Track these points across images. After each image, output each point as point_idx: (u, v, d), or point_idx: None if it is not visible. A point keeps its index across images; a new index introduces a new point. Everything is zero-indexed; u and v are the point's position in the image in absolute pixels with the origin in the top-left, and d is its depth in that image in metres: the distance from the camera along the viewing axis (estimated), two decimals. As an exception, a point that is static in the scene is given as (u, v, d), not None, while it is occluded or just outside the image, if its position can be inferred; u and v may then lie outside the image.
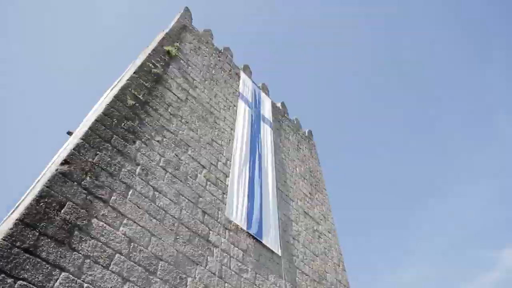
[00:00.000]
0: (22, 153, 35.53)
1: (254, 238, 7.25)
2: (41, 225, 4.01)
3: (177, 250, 5.54)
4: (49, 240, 4.00)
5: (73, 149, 5.09)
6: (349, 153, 49.77)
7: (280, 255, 7.54)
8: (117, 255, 4.66)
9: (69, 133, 7.83)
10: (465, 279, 42.44)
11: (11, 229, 3.70)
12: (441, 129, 46.91)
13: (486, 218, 44.92)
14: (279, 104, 14.68)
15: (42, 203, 4.17)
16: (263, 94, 13.17)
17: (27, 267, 3.64)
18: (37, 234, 3.91)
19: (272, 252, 7.45)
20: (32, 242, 3.81)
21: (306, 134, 14.95)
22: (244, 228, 7.18)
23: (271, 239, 7.61)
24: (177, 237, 5.72)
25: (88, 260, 4.28)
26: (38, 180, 5.03)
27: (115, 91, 6.84)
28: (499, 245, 43.97)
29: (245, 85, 12.26)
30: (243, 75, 12.72)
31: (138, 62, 8.24)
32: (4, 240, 3.58)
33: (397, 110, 48.56)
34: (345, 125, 50.14)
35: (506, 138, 44.30)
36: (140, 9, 43.60)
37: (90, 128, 5.59)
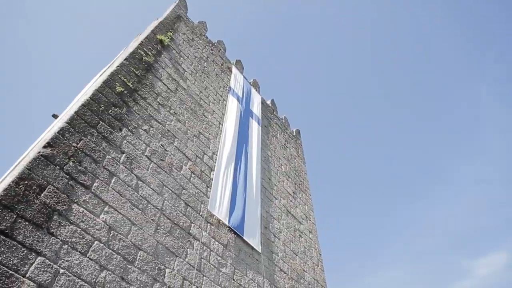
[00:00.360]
0: (5, 135, 34.82)
1: (235, 233, 7.26)
2: (19, 207, 3.94)
3: (157, 241, 5.51)
4: (26, 223, 3.93)
5: (58, 132, 5.00)
6: (335, 154, 50.10)
7: (260, 251, 7.56)
8: (96, 242, 4.61)
9: (54, 116, 7.70)
10: (438, 285, 43.23)
11: (-12, 209, 3.62)
12: (431, 134, 47.56)
13: (465, 226, 45.84)
14: (269, 102, 14.68)
15: (21, 185, 4.09)
16: (253, 90, 13.15)
17: (2, 249, 3.56)
18: (15, 216, 3.84)
19: (252, 248, 7.46)
20: (8, 224, 3.73)
21: (294, 133, 14.99)
22: (226, 222, 7.18)
23: (252, 235, 7.63)
24: (158, 228, 5.68)
25: (66, 246, 4.22)
26: (19, 162, 4.93)
27: (105, 76, 6.74)
28: (474, 254, 44.93)
29: (236, 80, 12.23)
30: (234, 70, 12.67)
31: (130, 49, 8.14)
32: (-20, 220, 3.51)
33: (389, 113, 49.01)
34: (333, 126, 50.41)
35: (493, 151, 45.23)
36: (135, -5, 43.04)
37: (76, 113, 5.50)
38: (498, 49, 43.44)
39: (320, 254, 10.01)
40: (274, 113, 14.39)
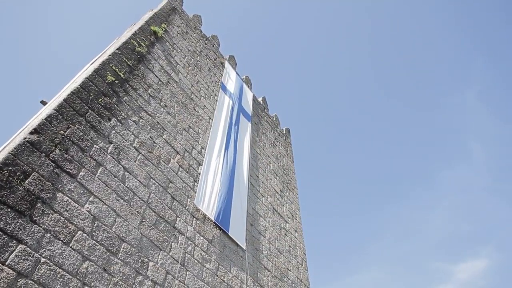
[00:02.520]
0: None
1: (220, 229, 7.23)
2: (2, 193, 3.86)
3: (141, 234, 5.46)
4: (9, 209, 3.85)
5: (45, 119, 4.91)
6: (320, 154, 50.34)
7: (244, 248, 7.55)
8: (80, 232, 4.55)
9: (43, 103, 7.56)
10: (420, 288, 43.82)
11: (-31, 194, 3.54)
12: (415, 137, 48.06)
13: (445, 231, 46.49)
14: (260, 99, 14.66)
15: (5, 171, 4.01)
16: (245, 87, 13.11)
17: (-17, 235, 3.49)
18: (-3, 202, 3.76)
19: (237, 245, 7.45)
20: (-10, 210, 3.66)
21: (284, 131, 15.00)
22: (212, 218, 7.15)
23: (237, 232, 7.61)
24: (143, 220, 5.63)
25: (49, 235, 4.15)
26: (4, 147, 4.83)
27: (96, 65, 6.65)
28: (455, 259, 45.63)
29: (229, 75, 12.18)
30: (227, 65, 12.62)
31: (123, 38, 8.04)
32: (-40, 204, 3.43)
33: (376, 115, 49.38)
34: (319, 125, 50.64)
35: (476, 157, 45.93)
36: (130, -15, 42.53)
37: (65, 100, 5.41)
38: (486, 55, 44.12)
39: (305, 254, 10.05)
40: (265, 110, 14.38)
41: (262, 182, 10.33)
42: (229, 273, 6.79)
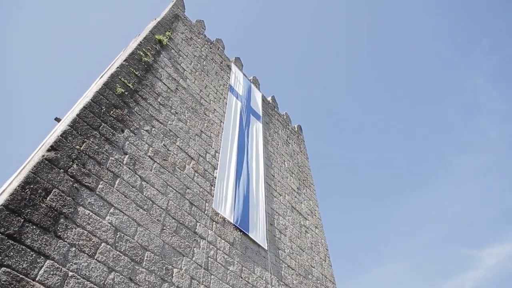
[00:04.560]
0: (9, 139, 34.83)
1: (241, 231, 7.24)
2: (26, 211, 3.93)
3: (163, 241, 5.50)
4: (34, 227, 3.92)
5: (61, 135, 4.98)
6: (333, 148, 50.07)
7: (266, 248, 7.55)
8: (103, 244, 4.60)
9: (57, 120, 7.68)
10: (445, 276, 43.25)
11: (-5, 214, 3.61)
12: (432, 127, 47.46)
13: (469, 217, 45.81)
14: (269, 98, 14.65)
15: (27, 189, 4.08)
16: (253, 87, 13.11)
17: (11, 253, 3.56)
18: (22, 220, 3.83)
19: (259, 245, 7.45)
20: (16, 229, 3.72)
21: (296, 129, 14.96)
22: (231, 220, 7.16)
23: (257, 233, 7.61)
24: (164, 228, 5.67)
25: (74, 249, 4.21)
26: (24, 166, 4.92)
27: (105, 78, 6.72)
28: (479, 244, 44.91)
29: (236, 77, 12.20)
30: (234, 68, 12.64)
31: (129, 50, 8.11)
32: (-13, 225, 3.50)
33: (388, 105, 48.94)
34: (331, 120, 50.36)
35: (491, 141, 45.15)
36: (131, -3, 42.96)
37: (78, 115, 5.48)
38: (493, 38, 43.32)
39: (327, 249, 10.00)
40: (275, 109, 14.36)
41: (278, 181, 10.32)
42: (253, 274, 6.79)
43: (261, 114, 11.99)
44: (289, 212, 9.62)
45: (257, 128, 11.02)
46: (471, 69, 45.57)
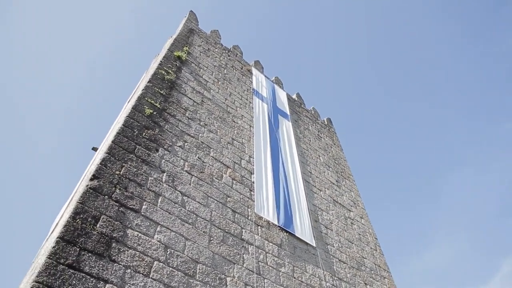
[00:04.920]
0: (52, 173, 36.38)
1: (286, 231, 7.23)
2: (80, 240, 4.08)
3: (213, 252, 5.56)
4: (89, 254, 4.07)
5: (100, 163, 5.15)
6: (368, 135, 49.15)
7: (314, 245, 7.49)
8: (156, 262, 4.71)
9: (94, 149, 7.96)
10: (504, 255, 41.31)
11: (53, 247, 3.78)
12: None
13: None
14: (294, 96, 14.59)
15: (78, 219, 4.24)
16: (277, 88, 13.10)
17: (74, 282, 3.71)
18: (78, 249, 3.98)
19: (307, 243, 7.41)
20: (74, 258, 3.88)
21: (325, 122, 14.81)
22: (275, 222, 7.16)
23: (303, 231, 7.57)
24: (211, 238, 5.74)
25: (129, 270, 4.33)
26: (72, 198, 5.12)
27: (132, 102, 6.91)
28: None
29: (259, 80, 12.23)
30: (255, 71, 12.68)
31: (151, 70, 8.31)
32: (49, 258, 3.67)
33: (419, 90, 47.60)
34: (361, 107, 49.49)
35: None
36: (146, 19, 44.01)
37: (113, 141, 5.66)
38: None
39: (376, 238, 9.81)
40: (302, 106, 14.27)
41: (316, 177, 10.23)
42: (306, 273, 6.75)
43: (288, 113, 11.96)
44: (331, 206, 9.52)
45: (287, 127, 10.99)
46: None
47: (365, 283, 7.85)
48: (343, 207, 9.92)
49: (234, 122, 9.10)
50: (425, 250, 44.52)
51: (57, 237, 3.89)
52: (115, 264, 4.23)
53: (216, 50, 11.76)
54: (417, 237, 45.27)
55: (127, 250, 4.51)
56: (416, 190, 47.56)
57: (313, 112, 14.63)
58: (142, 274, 4.44)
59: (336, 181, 10.97)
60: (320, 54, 49.16)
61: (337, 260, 7.77)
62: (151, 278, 4.49)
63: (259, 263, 6.10)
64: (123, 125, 6.10)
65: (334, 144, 13.46)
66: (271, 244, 6.67)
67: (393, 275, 8.88)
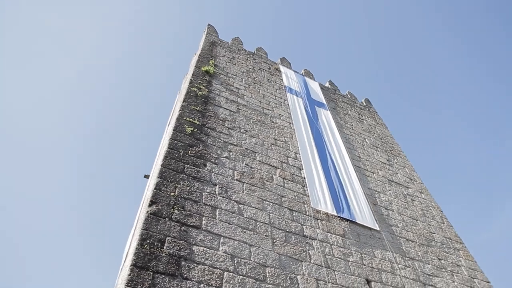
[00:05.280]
0: (112, 206, 38.15)
1: (347, 220, 7.14)
2: (152, 264, 4.27)
3: (278, 253, 5.60)
4: (163, 276, 4.24)
5: (155, 188, 5.36)
6: (412, 108, 47.45)
7: (378, 229, 7.34)
8: (226, 273, 4.82)
9: (146, 176, 8.28)
10: None
11: (129, 275, 3.98)
12: None
13: None
14: (327, 84, 14.41)
15: (145, 245, 4.44)
16: (308, 80, 13.01)
17: (152, 305, 3.88)
18: (151, 273, 4.16)
19: (370, 228, 7.27)
20: (150, 282, 4.06)
21: (364, 103, 14.50)
22: (334, 213, 7.10)
23: (364, 217, 7.45)
24: (274, 240, 5.79)
25: (202, 285, 4.46)
26: (135, 226, 5.36)
27: (172, 124, 7.13)
28: None
29: (288, 76, 12.21)
30: (283, 68, 12.67)
31: (183, 90, 8.53)
32: (127, 286, 3.87)
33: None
34: (394, 84, 47.90)
35: None
36: (168, 43, 45.22)
37: (162, 165, 5.86)
38: None
39: (441, 211, 9.45)
40: (337, 92, 14.07)
41: (366, 160, 10.03)
42: (375, 258, 6.63)
43: (325, 102, 11.83)
44: (387, 186, 9.29)
45: (326, 117, 10.88)
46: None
47: (439, 259, 7.58)
48: (399, 185, 9.64)
49: (273, 122, 9.13)
50: (495, 216, 42.13)
51: (131, 265, 4.09)
52: (188, 281, 4.38)
53: (241, 56, 11.87)
54: (485, 204, 42.98)
55: (197, 266, 4.65)
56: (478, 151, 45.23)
57: (349, 96, 14.37)
58: (215, 286, 4.56)
59: (387, 160, 10.69)
60: (345, 36, 48.20)
61: (404, 240, 7.56)
62: (224, 289, 4.60)
63: (326, 256, 6.07)
64: (168, 147, 6.31)
65: (378, 124, 13.14)
66: (334, 235, 6.62)
67: (467, 246, 8.51)
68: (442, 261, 7.55)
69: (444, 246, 8.08)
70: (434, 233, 8.34)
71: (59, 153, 38.36)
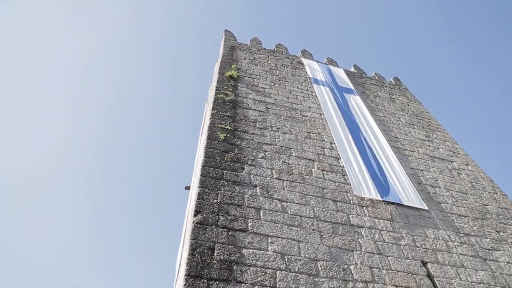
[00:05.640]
0: (157, 221, 39.18)
1: (393, 203, 6.99)
2: (205, 272, 4.37)
3: (327, 246, 5.57)
4: (217, 282, 4.33)
5: (197, 198, 5.48)
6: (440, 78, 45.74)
7: (427, 208, 7.14)
8: (278, 272, 4.85)
9: (187, 188, 8.47)
10: None
11: (184, 285, 4.10)
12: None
13: None
14: (352, 69, 14.17)
15: (196, 254, 4.55)
16: (332, 68, 12.85)
17: (212, 312, 3.97)
18: (206, 281, 4.26)
19: (418, 209, 7.09)
20: (205, 290, 4.17)
21: (393, 82, 14.14)
22: (379, 198, 6.97)
23: (410, 198, 7.27)
24: (322, 234, 5.76)
25: (257, 286, 4.52)
26: (184, 237, 5.50)
27: (205, 133, 7.25)
28: None
29: (312, 68, 12.11)
30: (305, 61, 12.58)
31: (211, 98, 8.66)
32: (183, 296, 3.99)
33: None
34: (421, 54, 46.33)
35: None
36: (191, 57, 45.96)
37: (201, 175, 5.98)
38: None
39: (492, 181, 9.05)
40: (364, 76, 13.80)
41: (404, 140, 9.78)
42: (428, 239, 6.45)
43: (352, 87, 11.65)
44: (430, 163, 9.01)
45: (356, 102, 10.71)
46: None
47: (497, 231, 7.27)
48: (443, 160, 9.33)
49: (304, 116, 9.09)
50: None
51: (185, 275, 4.21)
52: (242, 285, 4.44)
53: (262, 56, 11.90)
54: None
55: (249, 268, 4.71)
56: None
57: (377, 78, 14.06)
58: (270, 286, 4.60)
59: (426, 136, 10.38)
60: (362, 18, 47.17)
61: (456, 216, 7.31)
62: (279, 287, 4.63)
63: (377, 242, 5.98)
64: (204, 156, 6.42)
65: (411, 101, 12.77)
66: (382, 220, 6.50)
67: (525, 213, 8.11)
68: (501, 233, 7.24)
69: (501, 217, 7.74)
70: (488, 205, 8.01)
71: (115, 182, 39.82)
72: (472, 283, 5.76)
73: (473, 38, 45.10)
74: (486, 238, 6.96)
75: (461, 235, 6.81)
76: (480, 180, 8.93)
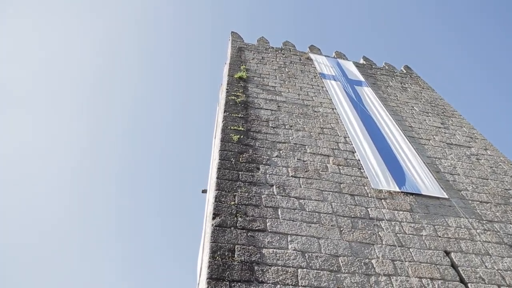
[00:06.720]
0: (172, 225, 39.52)
1: (411, 194, 6.92)
2: (226, 274, 4.41)
3: (347, 241, 5.55)
4: (239, 283, 4.36)
5: (215, 201, 5.53)
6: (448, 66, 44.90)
7: (447, 197, 7.04)
8: (299, 270, 4.86)
9: (204, 191, 8.54)
10: None
11: (207, 288, 4.15)
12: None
13: None
14: (361, 61, 14.05)
15: (217, 257, 4.59)
16: (341, 61, 12.77)
17: (236, 313, 4.01)
18: (228, 283, 4.30)
19: (438, 198, 7.00)
20: (228, 292, 4.20)
21: (404, 71, 13.97)
22: (397, 189, 6.91)
23: (428, 187, 7.18)
24: (341, 229, 5.74)
25: (279, 286, 4.53)
26: (203, 240, 5.56)
27: (219, 135, 7.30)
28: None
29: (321, 63, 12.06)
30: (313, 56, 12.53)
31: (222, 101, 8.71)
32: (207, 299, 4.04)
33: None
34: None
35: None
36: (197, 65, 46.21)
37: (217, 177, 6.03)
38: None
39: (512, 164, 8.88)
40: (373, 67, 13.67)
41: (419, 128, 9.66)
42: (450, 227, 6.36)
43: (363, 79, 11.56)
44: (447, 150, 8.88)
45: (368, 94, 10.62)
46: None
47: (521, 215, 7.12)
48: (460, 147, 9.19)
49: (316, 112, 9.06)
50: None
51: (207, 278, 4.25)
52: (264, 285, 4.47)
53: (270, 54, 11.90)
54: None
55: (270, 268, 4.73)
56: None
57: (387, 68, 13.91)
58: (292, 285, 4.61)
59: (441, 123, 10.23)
60: (367, 8, 46.66)
61: (477, 202, 7.19)
62: (301, 286, 4.64)
63: (397, 235, 5.93)
64: (219, 159, 6.47)
65: (423, 88, 12.60)
66: (401, 212, 6.44)
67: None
68: (525, 217, 7.09)
69: (524, 200, 7.58)
70: (510, 190, 7.85)
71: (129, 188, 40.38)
72: (499, 271, 5.66)
73: (476, 35, 44.15)
74: (511, 223, 6.83)
75: (484, 222, 6.69)
76: (500, 165, 8.76)
